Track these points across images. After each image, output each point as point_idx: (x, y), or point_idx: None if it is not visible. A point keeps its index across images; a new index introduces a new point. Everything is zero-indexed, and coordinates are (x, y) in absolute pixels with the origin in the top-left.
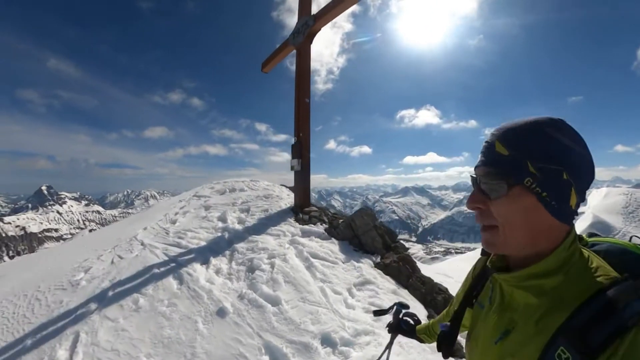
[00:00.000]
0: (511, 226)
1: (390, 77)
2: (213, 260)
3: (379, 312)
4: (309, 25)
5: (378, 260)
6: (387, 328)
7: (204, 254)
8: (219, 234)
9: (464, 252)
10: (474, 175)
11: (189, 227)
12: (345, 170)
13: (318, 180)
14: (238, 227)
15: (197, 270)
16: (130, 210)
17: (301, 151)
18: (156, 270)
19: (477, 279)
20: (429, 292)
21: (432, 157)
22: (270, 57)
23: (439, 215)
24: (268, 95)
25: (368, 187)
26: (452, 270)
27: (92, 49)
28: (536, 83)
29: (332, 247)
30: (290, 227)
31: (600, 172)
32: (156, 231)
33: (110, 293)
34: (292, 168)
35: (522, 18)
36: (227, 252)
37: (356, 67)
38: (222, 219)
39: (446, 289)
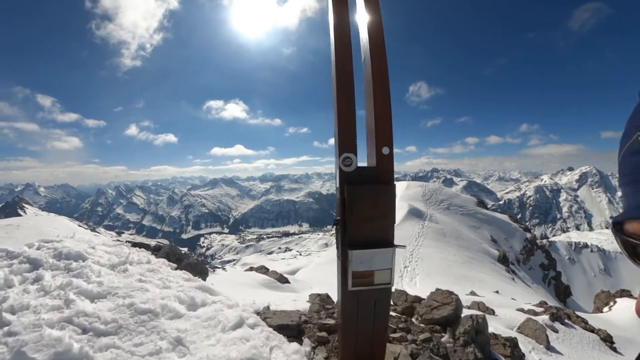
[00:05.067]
0: None
1: (204, 65)
2: None
3: None
4: None
5: None
6: None
7: None
8: None
9: (276, 237)
10: (628, 238)
11: None
12: (148, 161)
13: (115, 172)
14: None
15: None
16: None
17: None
18: None
19: None
20: None
21: (239, 149)
22: None
23: (249, 205)
24: (60, 55)
25: (174, 180)
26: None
27: None
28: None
29: None
30: None
31: None
32: None
33: None
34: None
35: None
36: None
37: (172, 49)
38: None
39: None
